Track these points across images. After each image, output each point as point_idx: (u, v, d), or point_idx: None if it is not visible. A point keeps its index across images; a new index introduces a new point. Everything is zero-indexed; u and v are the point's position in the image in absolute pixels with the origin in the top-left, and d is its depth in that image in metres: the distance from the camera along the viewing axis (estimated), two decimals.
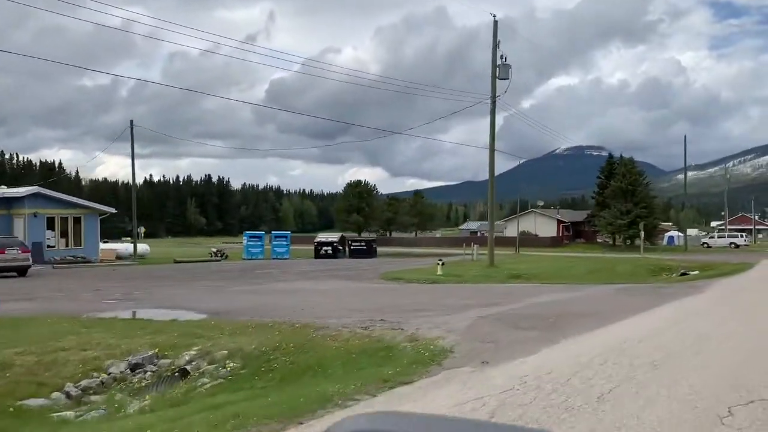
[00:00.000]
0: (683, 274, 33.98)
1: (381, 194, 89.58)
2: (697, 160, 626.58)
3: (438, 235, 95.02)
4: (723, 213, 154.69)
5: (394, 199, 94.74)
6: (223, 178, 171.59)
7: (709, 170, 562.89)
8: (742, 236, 78.32)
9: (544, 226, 73.87)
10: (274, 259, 41.60)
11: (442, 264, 27.58)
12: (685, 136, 69.92)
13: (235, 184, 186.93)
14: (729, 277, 26.15)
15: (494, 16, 31.87)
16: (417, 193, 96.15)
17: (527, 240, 71.75)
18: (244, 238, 43.44)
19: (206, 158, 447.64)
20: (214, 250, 41.39)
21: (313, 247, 44.21)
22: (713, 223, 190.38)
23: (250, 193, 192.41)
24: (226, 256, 41.39)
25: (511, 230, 77.23)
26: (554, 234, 73.45)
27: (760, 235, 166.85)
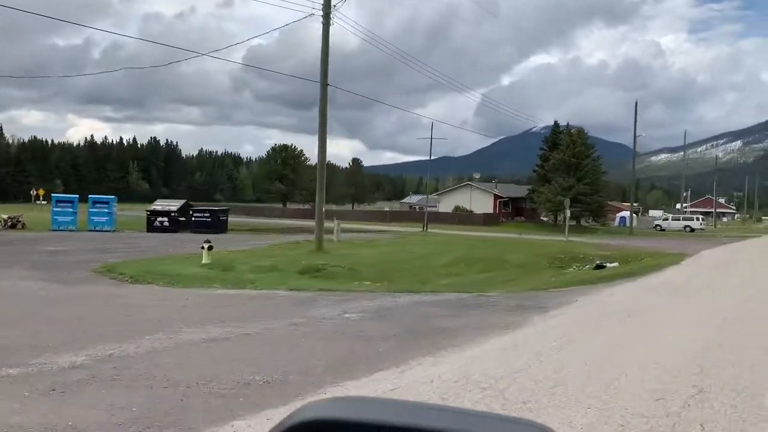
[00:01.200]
0: (598, 266, 25.12)
1: (308, 160, 79.05)
2: (671, 143, 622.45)
3: (386, 209, 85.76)
4: (684, 194, 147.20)
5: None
6: (171, 142, 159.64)
7: (682, 153, 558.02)
8: (698, 219, 69.67)
9: (480, 202, 64.70)
10: (90, 231, 31.82)
11: (210, 248, 18.02)
12: (636, 103, 60.31)
13: (196, 150, 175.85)
14: (634, 280, 16.98)
15: None
16: (355, 161, 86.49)
17: (458, 217, 62.61)
18: (52, 203, 33.50)
19: (182, 124, 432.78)
20: (5, 217, 31.35)
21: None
22: (678, 205, 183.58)
23: (206, 159, 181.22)
24: (23, 225, 31.49)
25: (445, 205, 68.06)
26: (490, 210, 64.31)
27: (725, 219, 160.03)
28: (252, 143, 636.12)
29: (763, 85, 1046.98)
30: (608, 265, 25.46)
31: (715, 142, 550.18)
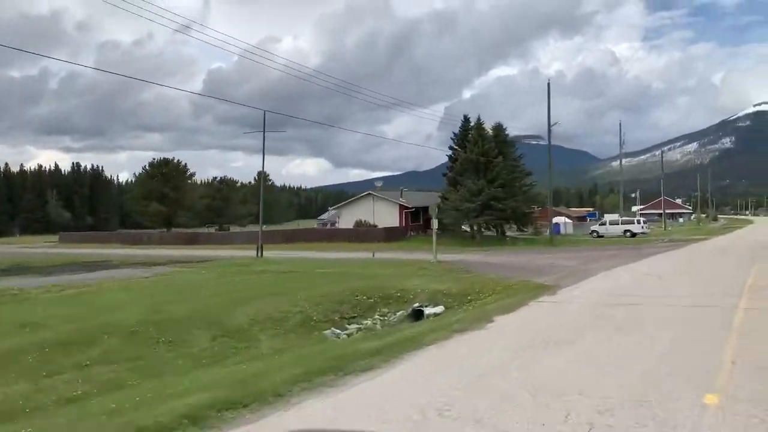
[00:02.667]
0: (416, 312, 14.82)
1: (192, 175, 67.18)
2: (629, 148, 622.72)
3: (281, 228, 74.06)
4: (633, 195, 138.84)
5: (223, 182, 72.50)
6: (97, 167, 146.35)
7: (641, 157, 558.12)
8: (639, 222, 59.64)
9: (385, 214, 53.80)
10: None
11: None
12: (549, 92, 49.33)
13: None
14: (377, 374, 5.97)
15: None
16: (260, 174, 74.88)
17: (356, 234, 51.55)
18: None
19: (145, 151, 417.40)
20: None
21: None
22: (633, 208, 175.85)
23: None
24: None
25: (346, 220, 57.05)
26: (396, 223, 53.44)
27: (681, 219, 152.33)
28: (217, 167, 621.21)
29: (715, 88, 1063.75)
30: (430, 311, 14.89)
31: (672, 145, 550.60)
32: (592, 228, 60.44)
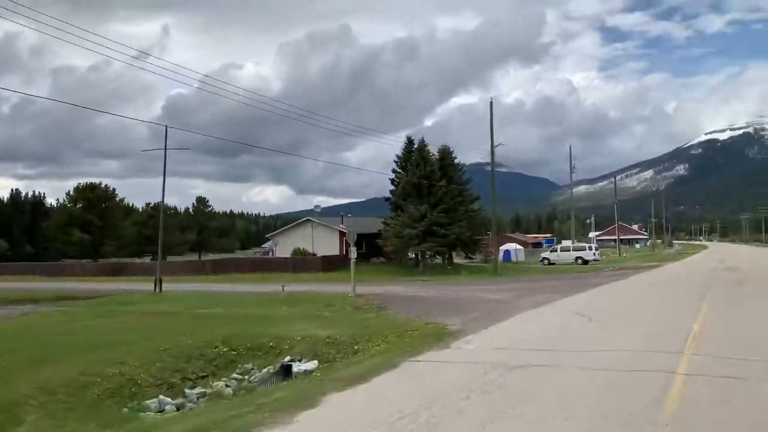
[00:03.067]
0: (285, 368, 11.19)
1: (121, 201, 62.58)
2: (588, 175, 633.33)
3: (216, 257, 69.21)
4: (589, 221, 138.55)
5: (156, 208, 67.73)
6: (38, 195, 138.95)
7: (599, 184, 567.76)
8: (591, 249, 57.47)
9: (324, 241, 50.30)
10: None
11: None
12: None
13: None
14: None
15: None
16: (200, 201, 70.70)
17: (292, 263, 47.85)
18: None
19: (101, 178, 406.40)
20: None
21: None
22: (591, 234, 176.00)
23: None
24: None
25: (285, 247, 53.30)
26: (337, 251, 49.89)
27: (638, 245, 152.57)
28: (176, 194, 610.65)
29: (668, 117, 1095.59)
30: (301, 367, 11.46)
31: (629, 172, 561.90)
32: (543, 255, 58.00)
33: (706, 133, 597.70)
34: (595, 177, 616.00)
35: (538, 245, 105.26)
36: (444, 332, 12.20)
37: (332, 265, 46.97)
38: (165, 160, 30.32)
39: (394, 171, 48.97)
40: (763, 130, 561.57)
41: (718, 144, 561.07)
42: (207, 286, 31.93)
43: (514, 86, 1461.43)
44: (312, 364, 11.67)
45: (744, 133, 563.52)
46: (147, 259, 66.92)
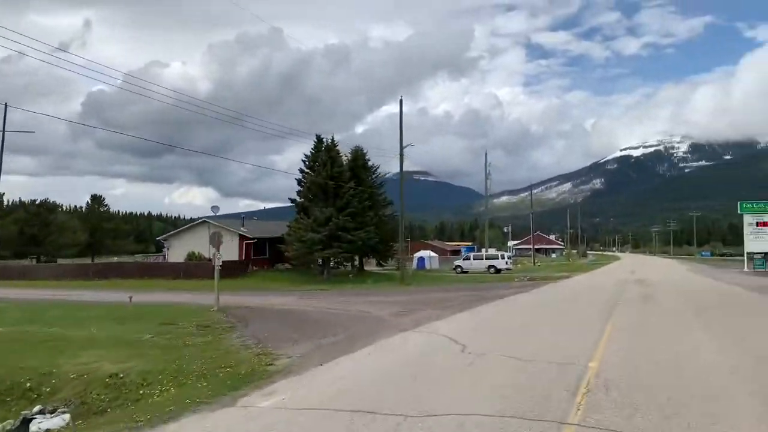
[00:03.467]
0: (25, 423, 6.69)
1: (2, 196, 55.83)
2: (509, 187, 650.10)
3: (105, 260, 62.68)
4: (506, 230, 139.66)
5: (42, 206, 60.96)
6: None
7: (521, 195, 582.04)
8: (504, 257, 55.77)
9: (224, 244, 45.99)
10: None
11: None
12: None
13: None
14: None
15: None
16: (95, 199, 64.26)
17: (184, 269, 43.30)
18: None
19: (12, 175, 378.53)
20: None
21: None
22: (510, 243, 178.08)
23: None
24: None
25: (178, 251, 48.60)
26: (236, 256, 45.68)
27: (554, 254, 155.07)
28: (95, 193, 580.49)
29: (586, 132, 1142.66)
30: (44, 424, 7.53)
31: (549, 184, 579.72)
32: (456, 263, 55.73)
33: (621, 150, 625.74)
34: (517, 188, 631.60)
35: (457, 253, 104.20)
36: (262, 371, 8.82)
37: (228, 271, 42.69)
38: (3, 143, 25.51)
39: (301, 171, 45.30)
40: (673, 148, 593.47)
41: (632, 160, 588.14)
42: (56, 293, 27.25)
43: (443, 98, 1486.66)
44: (60, 420, 8.00)
45: (655, 150, 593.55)
46: (32, 261, 60.31)
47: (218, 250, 20.84)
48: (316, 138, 45.61)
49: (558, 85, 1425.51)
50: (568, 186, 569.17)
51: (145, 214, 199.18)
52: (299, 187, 44.06)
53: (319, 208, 41.41)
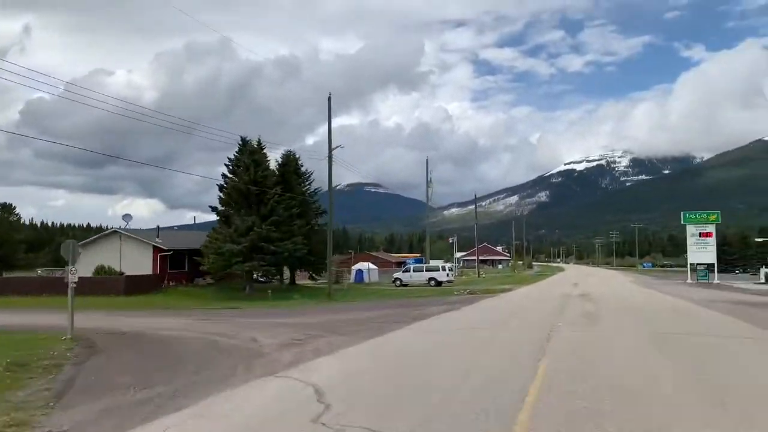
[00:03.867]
0: None
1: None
2: (459, 199, 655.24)
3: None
4: (451, 241, 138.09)
5: None
6: None
7: (470, 207, 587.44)
8: (445, 269, 52.83)
9: (136, 257, 41.38)
10: None
11: None
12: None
13: None
14: None
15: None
16: (4, 207, 57.96)
17: (90, 284, 38.56)
18: None
19: None
20: None
21: None
22: (457, 254, 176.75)
23: None
24: None
25: (86, 264, 43.66)
26: (149, 270, 41.09)
27: (500, 266, 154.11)
28: (34, 204, 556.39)
29: (532, 147, 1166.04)
30: None
31: (496, 197, 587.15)
32: (395, 275, 52.39)
33: (565, 164, 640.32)
34: (465, 201, 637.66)
35: (402, 265, 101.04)
36: None
37: (139, 286, 38.13)
38: None
39: (224, 176, 41.15)
40: (614, 162, 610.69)
41: (576, 174, 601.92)
42: None
43: (393, 111, 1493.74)
44: None
45: (598, 164, 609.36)
46: None
47: (72, 264, 16.82)
48: (241, 140, 41.65)
49: (504, 100, 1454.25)
50: (515, 198, 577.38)
51: (84, 225, 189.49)
52: (220, 194, 39.87)
53: (241, 216, 37.43)
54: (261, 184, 38.17)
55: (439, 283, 49.47)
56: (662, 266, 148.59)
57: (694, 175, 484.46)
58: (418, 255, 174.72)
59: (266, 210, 37.81)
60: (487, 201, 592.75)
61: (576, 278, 61.31)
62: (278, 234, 37.35)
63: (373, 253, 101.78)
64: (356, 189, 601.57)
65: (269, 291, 36.03)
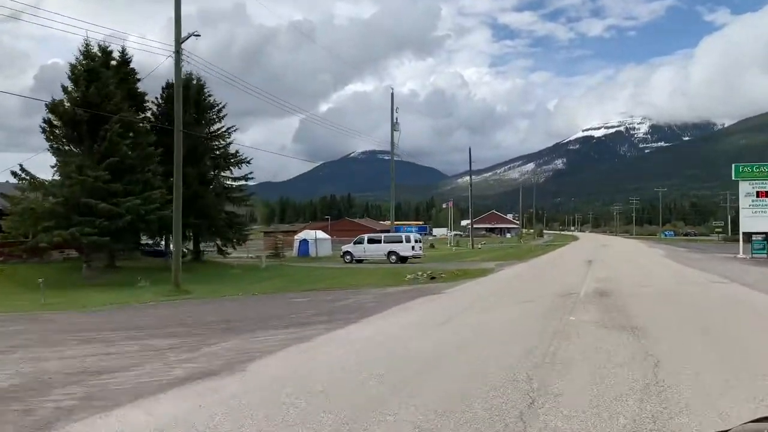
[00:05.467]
0: None
1: None
2: (474, 166, 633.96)
3: None
4: (445, 206, 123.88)
5: None
6: None
7: (485, 175, 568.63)
8: (410, 240, 38.33)
9: None
10: None
11: None
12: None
13: None
14: None
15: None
16: None
17: None
18: None
19: None
20: None
21: None
22: (462, 222, 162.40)
23: None
24: None
25: None
26: None
27: (509, 234, 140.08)
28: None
29: (549, 113, 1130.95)
30: None
31: (512, 165, 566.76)
32: (345, 249, 37.87)
33: (583, 130, 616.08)
34: (480, 168, 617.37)
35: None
36: None
37: None
38: None
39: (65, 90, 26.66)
40: (633, 129, 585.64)
41: (594, 140, 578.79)
42: None
43: (408, 77, 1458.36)
44: None
45: (617, 131, 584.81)
46: None
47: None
48: (84, 42, 27.03)
49: (523, 65, 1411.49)
50: (531, 166, 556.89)
51: None
52: (44, 123, 25.67)
53: (63, 157, 23.42)
54: (101, 106, 23.96)
55: (402, 259, 35.33)
56: (685, 235, 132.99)
57: (714, 142, 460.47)
58: (421, 223, 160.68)
59: (106, 146, 23.69)
60: (503, 168, 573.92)
61: (591, 251, 46.55)
62: (121, 187, 23.28)
63: (357, 220, 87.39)
64: (370, 156, 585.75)
65: (84, 274, 22.07)
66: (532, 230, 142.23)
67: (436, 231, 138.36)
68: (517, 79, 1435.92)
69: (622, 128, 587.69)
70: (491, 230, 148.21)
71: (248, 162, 33.31)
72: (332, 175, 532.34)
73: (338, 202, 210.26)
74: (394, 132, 38.99)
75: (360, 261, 36.18)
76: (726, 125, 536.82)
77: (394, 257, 35.49)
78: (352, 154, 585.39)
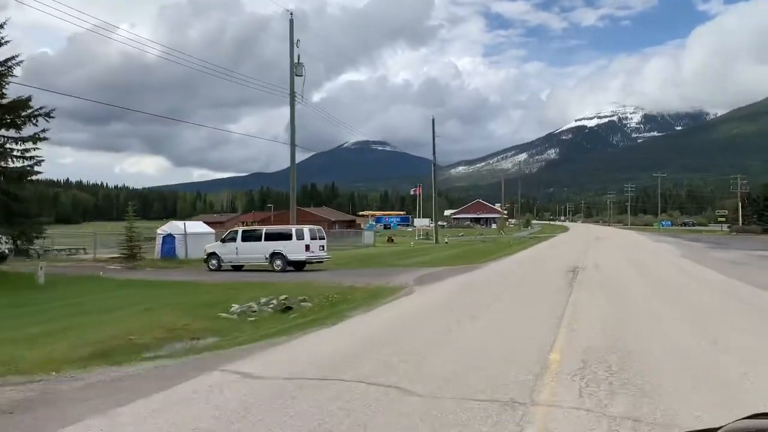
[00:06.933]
0: None
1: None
2: (467, 157, 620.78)
3: None
4: (413, 192, 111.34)
5: None
6: None
7: (477, 165, 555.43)
8: (305, 237, 25.15)
9: None
10: None
11: None
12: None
13: None
14: None
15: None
16: None
17: None
18: None
19: None
20: None
21: None
22: (446, 212, 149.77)
23: None
24: None
25: None
26: None
27: (494, 225, 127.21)
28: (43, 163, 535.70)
29: (542, 103, 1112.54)
30: None
31: (504, 155, 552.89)
32: (209, 249, 24.29)
33: (576, 120, 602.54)
34: (473, 159, 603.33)
35: (351, 225, 74.05)
36: None
37: None
38: None
39: None
40: (626, 119, 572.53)
41: (586, 130, 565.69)
42: None
43: (402, 67, 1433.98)
44: None
45: (609, 121, 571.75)
46: None
47: None
48: None
49: (516, 55, 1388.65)
50: (523, 156, 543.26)
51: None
52: None
53: None
54: None
55: (295, 264, 22.43)
56: (683, 224, 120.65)
57: (707, 132, 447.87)
58: (402, 213, 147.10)
59: None
60: (495, 159, 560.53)
61: (581, 245, 33.65)
62: None
63: (310, 209, 74.06)
64: (362, 147, 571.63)
65: None
66: (511, 220, 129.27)
67: (420, 222, 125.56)
68: (511, 69, 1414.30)
69: (614, 118, 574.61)
70: (476, 220, 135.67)
71: (46, 115, 20.40)
72: (324, 166, 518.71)
73: (320, 192, 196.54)
74: (297, 76, 26.00)
75: (239, 267, 23.36)
76: (718, 114, 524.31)
77: (279, 262, 22.55)
78: (344, 145, 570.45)
